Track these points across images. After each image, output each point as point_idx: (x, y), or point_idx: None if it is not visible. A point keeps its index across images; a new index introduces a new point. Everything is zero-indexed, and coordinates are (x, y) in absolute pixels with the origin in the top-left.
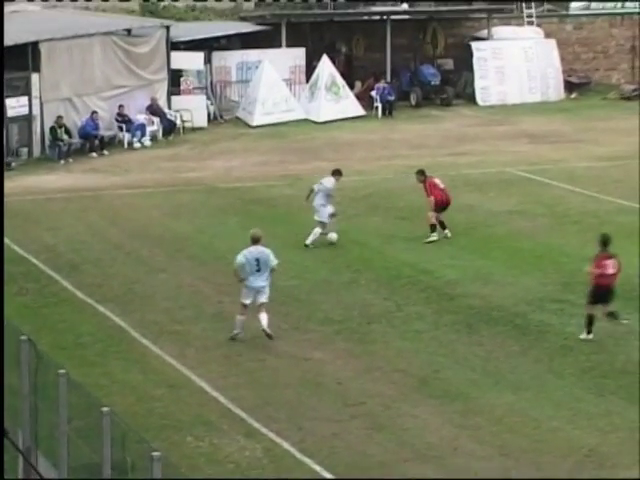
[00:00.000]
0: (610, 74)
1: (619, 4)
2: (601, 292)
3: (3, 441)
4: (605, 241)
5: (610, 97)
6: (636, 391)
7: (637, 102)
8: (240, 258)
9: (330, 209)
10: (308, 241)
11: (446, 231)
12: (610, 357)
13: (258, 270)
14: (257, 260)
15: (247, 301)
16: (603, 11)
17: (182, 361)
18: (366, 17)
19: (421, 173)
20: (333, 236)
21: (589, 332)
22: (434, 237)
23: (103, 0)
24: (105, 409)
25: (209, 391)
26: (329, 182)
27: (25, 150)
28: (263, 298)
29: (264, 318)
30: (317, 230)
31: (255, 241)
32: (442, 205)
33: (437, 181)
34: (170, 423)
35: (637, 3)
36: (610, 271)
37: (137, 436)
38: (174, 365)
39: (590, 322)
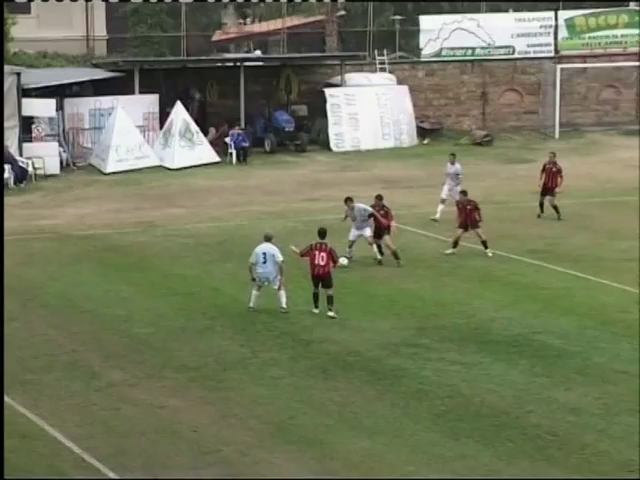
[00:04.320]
0: (462, 120)
1: (469, 51)
2: (315, 277)
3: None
4: (321, 233)
5: (462, 143)
6: (490, 434)
7: (488, 147)
8: (252, 255)
9: (354, 233)
10: (378, 256)
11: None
12: (465, 401)
13: (264, 262)
14: (264, 254)
15: (257, 286)
16: (454, 58)
17: (35, 411)
18: (220, 64)
19: (464, 193)
20: (344, 261)
21: (316, 307)
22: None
23: None
24: None
25: (63, 441)
26: (359, 207)
27: None
28: (275, 285)
29: (282, 296)
30: (374, 248)
31: (267, 239)
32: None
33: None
34: (22, 474)
35: (486, 50)
36: (317, 261)
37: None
38: (27, 415)
39: (315, 299)
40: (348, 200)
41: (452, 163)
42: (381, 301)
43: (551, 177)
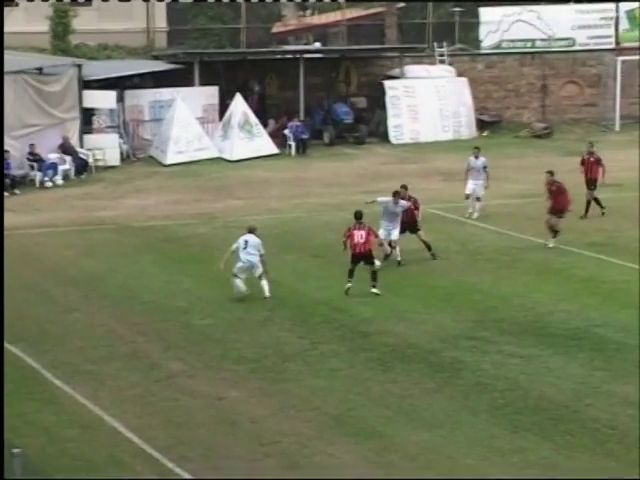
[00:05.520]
0: (521, 112)
1: (529, 43)
2: (355, 256)
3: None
4: (357, 215)
5: (521, 135)
6: (549, 427)
7: (548, 140)
8: (235, 244)
9: (382, 233)
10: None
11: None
12: (524, 394)
13: (245, 247)
14: (246, 241)
15: (239, 273)
16: (514, 50)
17: (95, 401)
18: (279, 56)
19: (551, 174)
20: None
21: (349, 282)
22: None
23: None
24: (16, 450)
25: (122, 431)
26: (402, 204)
27: None
28: (258, 272)
29: (265, 285)
30: (397, 250)
31: (250, 231)
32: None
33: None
34: (83, 464)
35: (546, 42)
36: (357, 240)
37: (49, 478)
38: (87, 405)
39: (350, 274)
40: (396, 194)
41: (476, 157)
42: (440, 294)
43: (590, 168)
